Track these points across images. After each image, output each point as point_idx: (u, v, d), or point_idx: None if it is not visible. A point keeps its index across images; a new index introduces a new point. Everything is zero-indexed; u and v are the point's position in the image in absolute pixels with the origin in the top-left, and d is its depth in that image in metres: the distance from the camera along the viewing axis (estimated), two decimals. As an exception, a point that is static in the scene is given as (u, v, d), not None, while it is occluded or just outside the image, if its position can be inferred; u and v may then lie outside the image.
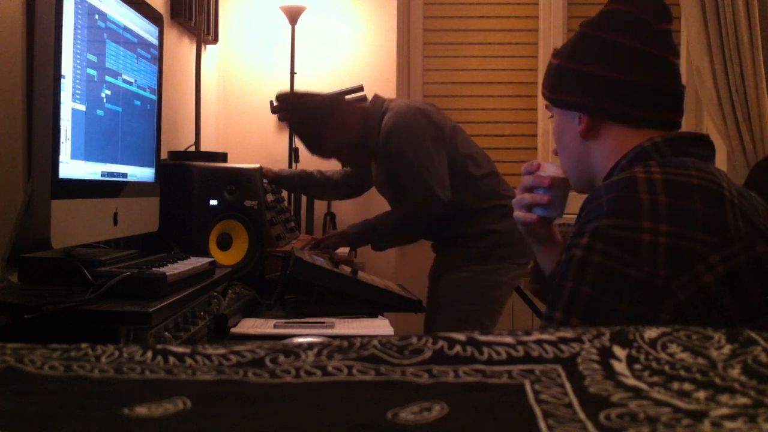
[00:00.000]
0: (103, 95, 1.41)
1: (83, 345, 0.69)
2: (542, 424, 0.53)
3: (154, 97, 1.73)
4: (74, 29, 1.26)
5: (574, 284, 1.07)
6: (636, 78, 1.20)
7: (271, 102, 3.50)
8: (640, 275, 1.03)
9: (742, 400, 0.55)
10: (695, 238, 1.04)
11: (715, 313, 1.03)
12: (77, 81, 1.28)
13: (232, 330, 1.60)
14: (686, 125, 3.02)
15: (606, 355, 0.64)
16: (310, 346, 0.67)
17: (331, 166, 2.89)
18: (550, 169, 1.32)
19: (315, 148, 2.53)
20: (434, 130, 2.42)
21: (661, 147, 1.18)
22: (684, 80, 1.25)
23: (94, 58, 1.35)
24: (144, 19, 1.64)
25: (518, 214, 1.35)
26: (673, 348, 0.64)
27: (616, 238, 1.05)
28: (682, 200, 1.06)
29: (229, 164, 2.13)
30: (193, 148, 2.75)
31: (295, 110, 2.50)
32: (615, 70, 1.20)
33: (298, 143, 3.31)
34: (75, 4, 1.27)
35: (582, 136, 1.24)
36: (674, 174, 1.09)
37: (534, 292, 1.46)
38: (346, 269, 1.99)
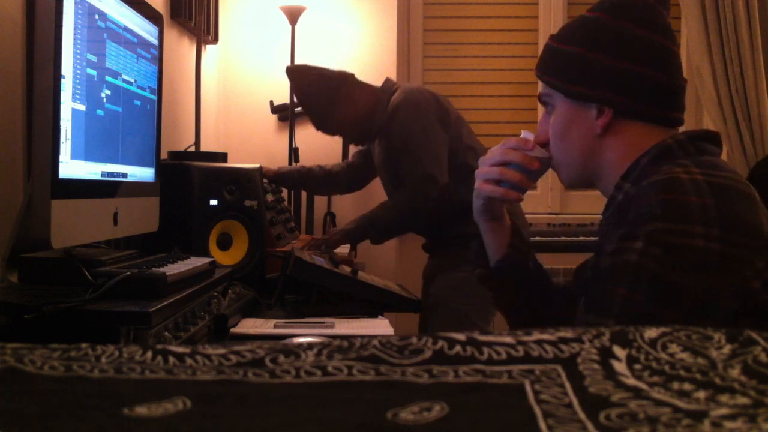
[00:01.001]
0: (103, 95, 1.41)
1: (83, 345, 0.69)
2: (542, 424, 0.53)
3: (154, 97, 1.73)
4: (74, 29, 1.26)
5: (627, 291, 1.03)
6: (659, 74, 1.16)
7: (271, 102, 3.51)
8: (696, 283, 1.00)
9: (742, 400, 0.55)
10: (742, 243, 1.01)
11: (763, 319, 1.00)
12: (77, 81, 1.28)
13: (232, 330, 1.60)
14: (686, 125, 3.03)
15: (606, 355, 0.64)
16: (310, 346, 0.67)
17: (331, 160, 2.88)
18: (537, 149, 1.25)
19: (321, 123, 2.52)
20: (442, 113, 2.43)
21: (686, 145, 1.15)
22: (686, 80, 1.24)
23: (94, 58, 1.35)
24: (144, 19, 1.64)
25: (489, 187, 1.25)
26: (673, 348, 0.64)
27: (672, 244, 1.01)
28: (727, 204, 1.03)
29: (229, 164, 2.13)
30: (193, 148, 2.75)
31: (305, 83, 2.49)
32: (642, 65, 1.16)
33: (298, 144, 3.32)
34: (75, 4, 1.27)
35: (600, 132, 1.19)
36: (714, 176, 1.06)
37: (479, 278, 1.37)
38: (346, 269, 1.99)
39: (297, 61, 3.35)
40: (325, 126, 2.53)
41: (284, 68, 2.60)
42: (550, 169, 1.30)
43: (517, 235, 1.34)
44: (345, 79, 2.48)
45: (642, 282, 1.02)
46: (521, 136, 1.28)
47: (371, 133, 2.52)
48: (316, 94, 2.47)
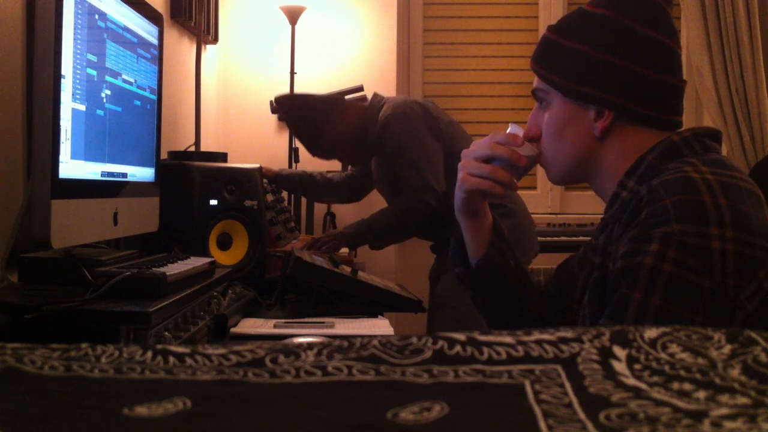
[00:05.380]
0: (103, 95, 1.41)
1: (83, 345, 0.69)
2: (542, 424, 0.53)
3: (154, 97, 1.73)
4: (74, 29, 1.26)
5: (643, 295, 1.00)
6: (665, 77, 1.13)
7: (271, 102, 3.50)
8: (713, 286, 0.98)
9: (742, 400, 0.55)
10: (756, 244, 1.00)
11: None
12: (77, 81, 1.28)
13: (232, 330, 1.60)
14: (686, 125, 3.04)
15: (606, 355, 0.64)
16: (310, 346, 0.67)
17: (332, 167, 2.88)
18: (526, 145, 1.21)
19: (315, 149, 2.53)
20: (431, 121, 2.43)
21: (691, 142, 1.12)
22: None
23: (94, 58, 1.35)
24: (144, 19, 1.64)
25: (475, 179, 1.21)
26: (673, 348, 0.64)
27: (689, 245, 0.98)
28: (739, 204, 1.02)
29: (229, 164, 2.13)
30: (193, 148, 2.75)
31: (294, 111, 2.50)
32: (649, 68, 1.12)
33: (298, 144, 3.31)
34: (75, 4, 1.27)
35: (599, 135, 1.15)
36: (723, 175, 1.04)
37: (458, 276, 1.33)
38: (346, 269, 1.99)
39: (297, 62, 3.35)
40: (319, 151, 2.54)
41: (283, 70, 2.61)
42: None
43: (498, 233, 1.30)
44: (333, 102, 2.49)
45: (658, 285, 0.99)
46: (509, 130, 1.23)
47: (366, 152, 2.53)
48: (306, 120, 2.48)
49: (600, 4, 1.17)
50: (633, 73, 1.13)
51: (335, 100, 2.50)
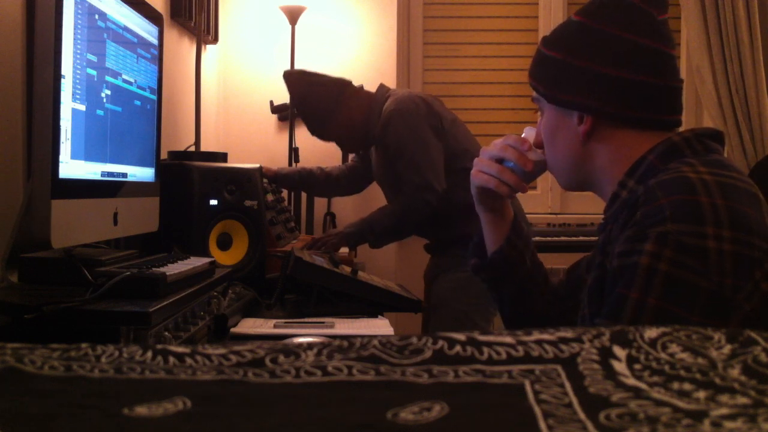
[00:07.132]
0: (103, 95, 1.41)
1: (83, 345, 0.69)
2: (542, 424, 0.53)
3: (154, 97, 1.73)
4: (74, 29, 1.26)
5: (639, 294, 1.00)
6: (646, 78, 1.13)
7: (271, 102, 3.50)
8: (710, 285, 0.97)
9: (742, 400, 0.55)
10: (754, 244, 1.00)
11: None
12: (77, 81, 1.28)
13: (232, 330, 1.60)
14: (686, 125, 3.05)
15: (606, 355, 0.64)
16: (310, 346, 0.67)
17: (331, 161, 2.88)
18: (534, 150, 1.25)
19: (316, 129, 2.52)
20: (434, 119, 2.42)
21: (692, 142, 1.12)
22: (684, 80, 1.21)
23: (94, 58, 1.35)
24: (144, 19, 1.64)
25: (484, 176, 1.26)
26: (673, 348, 0.64)
27: (685, 245, 0.98)
28: (736, 204, 1.02)
29: (229, 164, 2.13)
30: (193, 148, 2.74)
31: (303, 88, 2.49)
32: (625, 70, 1.13)
33: (298, 144, 3.32)
34: (75, 4, 1.27)
35: (583, 139, 1.17)
36: (722, 176, 1.04)
37: (472, 268, 1.38)
38: (346, 269, 1.99)
39: (297, 62, 3.35)
40: (321, 133, 2.53)
41: (282, 71, 2.60)
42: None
43: (516, 230, 1.33)
44: (343, 86, 2.48)
45: (654, 285, 0.99)
46: (523, 134, 1.28)
47: (365, 142, 2.53)
48: (314, 100, 2.46)
49: (580, 12, 1.20)
50: (607, 76, 1.14)
51: (345, 84, 2.49)
